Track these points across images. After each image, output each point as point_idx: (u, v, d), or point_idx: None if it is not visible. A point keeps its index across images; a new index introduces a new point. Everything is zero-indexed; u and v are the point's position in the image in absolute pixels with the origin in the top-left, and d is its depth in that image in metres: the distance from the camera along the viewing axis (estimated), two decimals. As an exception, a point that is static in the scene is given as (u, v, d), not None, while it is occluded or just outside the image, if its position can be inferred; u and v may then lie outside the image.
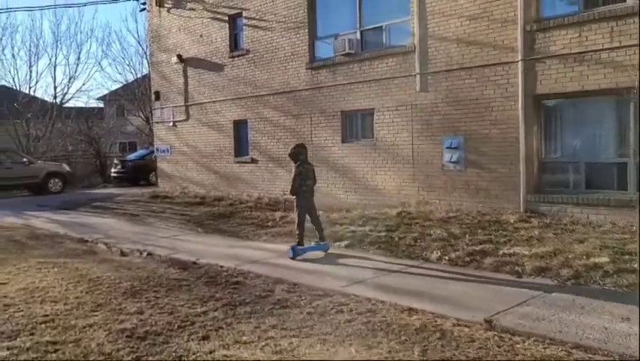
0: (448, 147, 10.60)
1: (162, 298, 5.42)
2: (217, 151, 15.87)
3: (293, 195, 7.71)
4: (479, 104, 10.10)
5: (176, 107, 17.21)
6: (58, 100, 27.22)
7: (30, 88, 27.09)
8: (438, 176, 10.76)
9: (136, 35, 50.38)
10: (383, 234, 8.17)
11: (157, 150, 18.21)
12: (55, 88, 27.64)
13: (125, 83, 32.59)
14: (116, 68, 48.75)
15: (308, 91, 13.16)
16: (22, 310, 5.07)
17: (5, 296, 5.49)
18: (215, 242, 9.08)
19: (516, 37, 9.47)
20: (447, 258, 6.85)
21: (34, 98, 27.38)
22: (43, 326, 4.64)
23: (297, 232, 7.53)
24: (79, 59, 32.78)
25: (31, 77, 28.15)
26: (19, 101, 26.13)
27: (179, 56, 16.59)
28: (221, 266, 6.92)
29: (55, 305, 5.19)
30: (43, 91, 39.88)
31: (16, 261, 7.50)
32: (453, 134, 10.51)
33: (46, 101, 28.22)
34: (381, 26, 11.75)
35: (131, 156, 22.70)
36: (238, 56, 14.92)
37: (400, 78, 11.28)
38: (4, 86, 28.07)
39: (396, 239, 7.91)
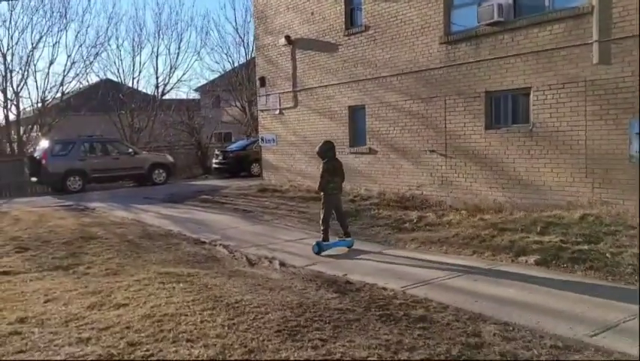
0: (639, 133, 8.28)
1: (331, 343, 3.85)
2: (329, 140, 14.35)
3: (320, 191, 7.68)
4: (690, 76, 7.71)
5: (283, 93, 15.91)
6: (159, 90, 27.16)
7: (134, 79, 27.24)
8: (624, 169, 8.45)
9: (234, 23, 50.32)
10: (585, 247, 6.15)
11: (262, 139, 17.07)
12: (157, 78, 27.60)
13: (222, 72, 32.25)
14: (214, 57, 49.01)
15: (442, 69, 11.22)
16: (151, 354, 3.70)
17: (128, 327, 4.19)
18: (353, 248, 7.50)
19: None
20: None
21: (137, 90, 27.48)
22: (183, 387, 3.24)
23: (322, 228, 7.50)
24: (179, 48, 32.59)
25: (134, 67, 28.22)
26: (123, 92, 26.31)
27: (287, 38, 15.23)
28: (384, 288, 5.29)
29: (192, 347, 3.78)
30: (146, 81, 41.43)
31: (134, 269, 6.34)
32: (647, 117, 8.17)
33: (147, 94, 28.31)
34: (542, -14, 9.55)
35: (232, 147, 21.89)
36: (355, 33, 13.24)
37: (570, 48, 9.04)
38: (109, 80, 28.46)
39: (608, 255, 5.87)
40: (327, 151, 7.64)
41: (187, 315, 4.43)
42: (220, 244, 8.05)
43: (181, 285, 5.39)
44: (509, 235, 7.00)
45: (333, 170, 7.54)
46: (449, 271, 5.96)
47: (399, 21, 12.06)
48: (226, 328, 4.12)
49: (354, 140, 13.70)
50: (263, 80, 16.71)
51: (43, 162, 17.15)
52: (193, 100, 34.09)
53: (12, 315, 4.58)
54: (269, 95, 16.51)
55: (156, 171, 19.09)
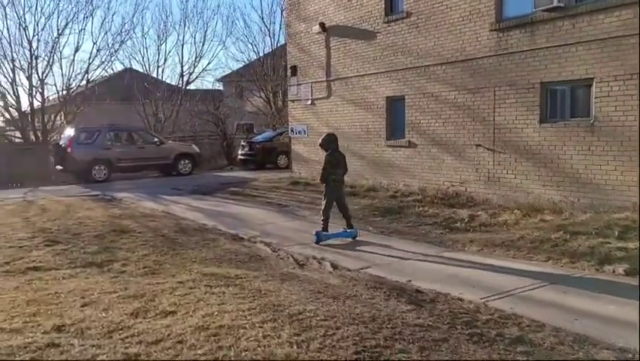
0: None
1: (424, 370, 3.24)
2: (364, 133, 13.70)
3: (322, 182, 7.71)
4: None
5: (315, 82, 15.26)
6: (184, 79, 26.68)
7: (158, 67, 26.75)
8: (701, 169, 7.69)
9: (260, 12, 49.34)
10: (680, 257, 5.44)
11: (292, 130, 16.46)
12: (182, 67, 27.03)
13: (246, 62, 31.71)
14: (239, 46, 47.73)
15: (492, 58, 10.46)
16: (212, 378, 3.13)
17: (181, 341, 3.61)
18: (406, 250, 6.86)
19: None
20: None
21: (161, 81, 26.94)
22: None
23: (323, 218, 7.59)
24: (205, 37, 31.73)
25: (159, 56, 27.60)
26: (148, 81, 25.91)
27: (321, 25, 14.56)
28: (461, 299, 4.65)
29: (260, 371, 3.20)
30: (171, 71, 40.94)
31: (175, 268, 5.79)
32: None
33: (171, 85, 27.79)
34: (610, -33, 8.74)
35: (259, 138, 21.33)
36: (396, 20, 12.52)
37: (640, 36, 8.26)
38: (133, 69, 27.99)
39: None
40: (329, 143, 7.67)
41: (245, 328, 3.83)
42: (260, 241, 7.47)
43: (230, 289, 4.80)
44: (584, 240, 6.29)
45: (335, 162, 7.59)
46: (528, 278, 5.29)
47: (444, 7, 11.31)
48: (295, 346, 3.51)
49: (391, 132, 13.02)
50: (294, 69, 16.07)
51: (69, 150, 16.78)
52: (216, 91, 33.59)
53: (47, 321, 4.04)
54: (300, 84, 15.88)
55: (182, 162, 18.62)
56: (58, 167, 17.50)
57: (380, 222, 8.79)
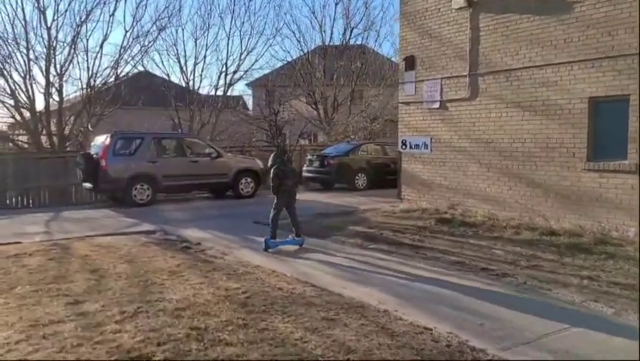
0: None
1: None
2: (541, 150, 9.36)
3: (274, 194, 7.86)
4: None
5: (448, 78, 10.94)
6: (228, 78, 22.20)
7: (196, 65, 22.25)
8: None
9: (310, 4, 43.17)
10: None
11: (403, 143, 12.08)
12: (226, 64, 22.30)
13: (287, 62, 27.41)
14: (284, 45, 41.03)
15: None
16: None
17: None
18: None
19: None
20: None
21: (191, 90, 22.11)
22: None
23: (271, 226, 7.73)
24: (252, 29, 26.96)
25: (197, 50, 22.36)
26: (179, 87, 21.57)
27: (467, -2, 10.30)
28: None
29: None
30: (208, 71, 35.64)
31: None
32: None
33: (203, 94, 23.07)
34: None
35: (331, 151, 16.93)
36: (615, -18, 8.28)
37: None
38: (152, 74, 23.18)
39: None
40: (276, 158, 7.86)
41: None
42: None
43: None
44: None
45: (283, 175, 7.74)
46: None
47: None
48: None
49: (596, 150, 8.70)
50: (411, 61, 11.73)
51: (103, 163, 12.31)
52: (238, 97, 29.02)
53: None
54: (422, 80, 11.54)
55: (243, 180, 14.20)
56: (87, 184, 13.00)
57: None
